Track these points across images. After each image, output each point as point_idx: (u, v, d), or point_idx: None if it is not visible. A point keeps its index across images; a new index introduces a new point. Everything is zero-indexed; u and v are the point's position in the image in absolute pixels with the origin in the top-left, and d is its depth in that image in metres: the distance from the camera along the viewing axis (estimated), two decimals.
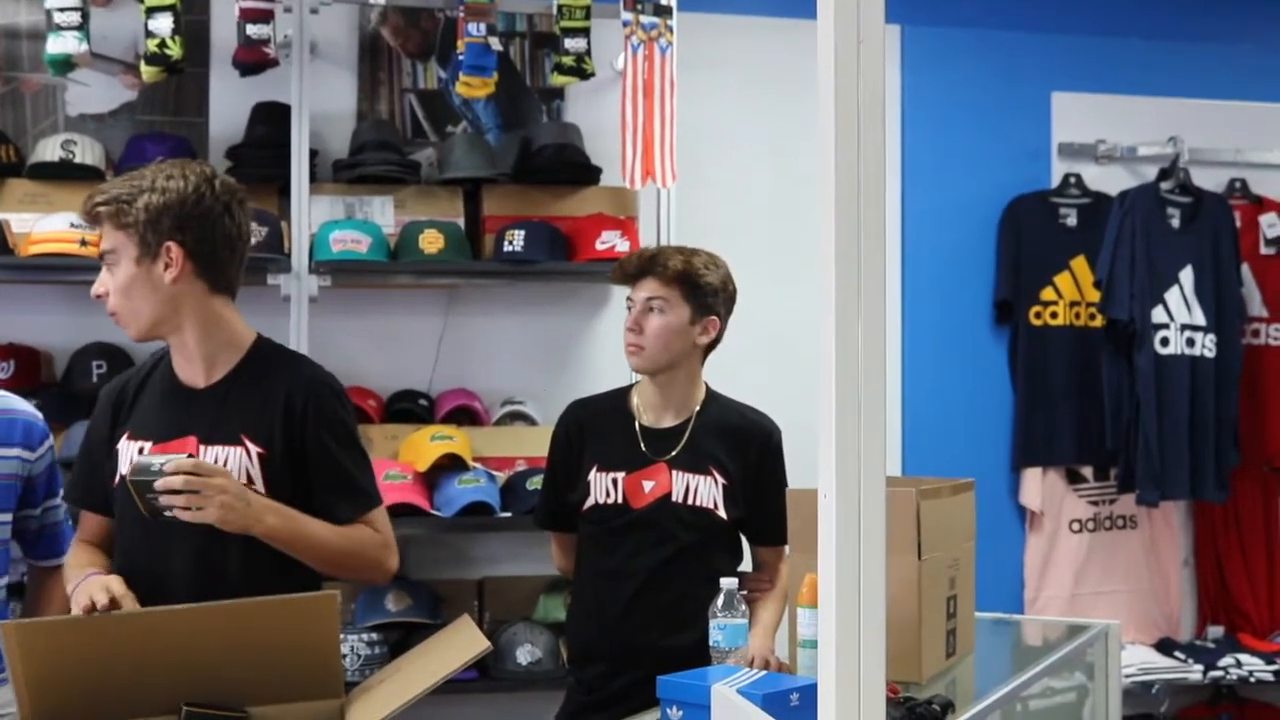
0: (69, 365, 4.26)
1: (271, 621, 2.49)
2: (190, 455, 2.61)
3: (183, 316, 2.76)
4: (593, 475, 3.32)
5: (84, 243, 4.11)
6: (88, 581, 2.64)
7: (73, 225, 4.12)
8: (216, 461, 2.70)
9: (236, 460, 2.71)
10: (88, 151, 4.32)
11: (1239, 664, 5.15)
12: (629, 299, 3.34)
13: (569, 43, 4.48)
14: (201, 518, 2.57)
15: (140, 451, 2.75)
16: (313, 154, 4.39)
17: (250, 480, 2.71)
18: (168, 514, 2.58)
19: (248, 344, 2.83)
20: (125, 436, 2.79)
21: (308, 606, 2.53)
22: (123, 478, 2.69)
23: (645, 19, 4.49)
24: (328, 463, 2.78)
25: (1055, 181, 5.33)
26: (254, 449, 2.73)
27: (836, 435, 1.66)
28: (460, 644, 2.55)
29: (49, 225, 4.14)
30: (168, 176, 2.74)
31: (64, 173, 4.27)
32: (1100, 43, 5.36)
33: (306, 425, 2.76)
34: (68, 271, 4.16)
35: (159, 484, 2.55)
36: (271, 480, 2.73)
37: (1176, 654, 5.23)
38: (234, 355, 2.81)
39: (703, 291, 3.30)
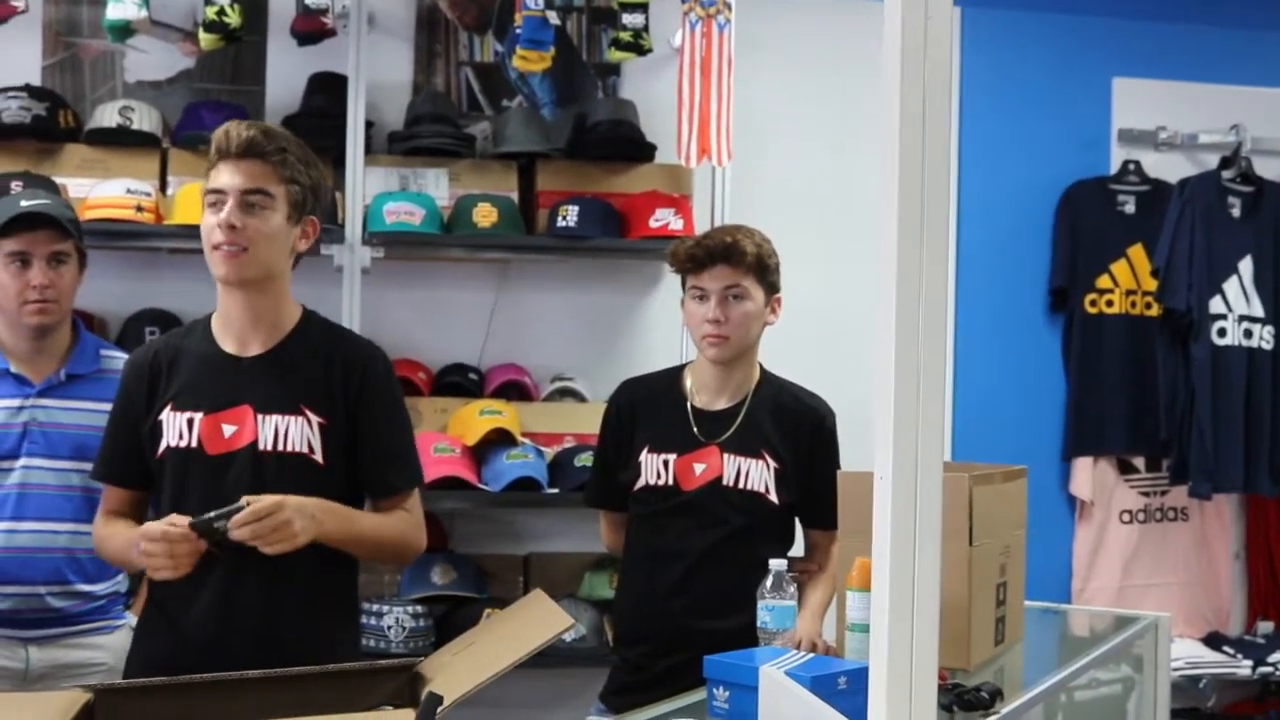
0: (122, 330, 4.29)
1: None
2: (246, 503, 2.59)
3: (281, 279, 2.81)
4: (644, 456, 3.31)
5: (140, 209, 4.14)
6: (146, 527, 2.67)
7: (129, 191, 4.16)
8: (277, 431, 2.73)
9: (298, 429, 2.74)
10: (145, 118, 4.34)
11: None
12: (697, 287, 3.26)
13: (627, 18, 4.46)
14: (281, 549, 2.58)
15: (189, 424, 2.75)
16: (368, 125, 4.40)
17: (311, 449, 2.74)
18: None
19: (298, 315, 2.87)
20: (169, 408, 2.79)
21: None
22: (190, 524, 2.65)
23: None
24: (383, 433, 2.83)
25: (1114, 168, 5.27)
26: (315, 418, 2.76)
27: (895, 418, 1.64)
28: (542, 619, 2.54)
29: (105, 191, 4.17)
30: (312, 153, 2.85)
31: (121, 139, 4.30)
32: (1163, 28, 5.29)
33: (363, 395, 2.80)
34: (123, 238, 4.20)
35: (234, 535, 2.57)
36: (330, 450, 2.76)
37: (1225, 649, 5.18)
38: (286, 326, 2.83)
39: (771, 272, 3.29)
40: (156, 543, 2.59)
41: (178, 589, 2.71)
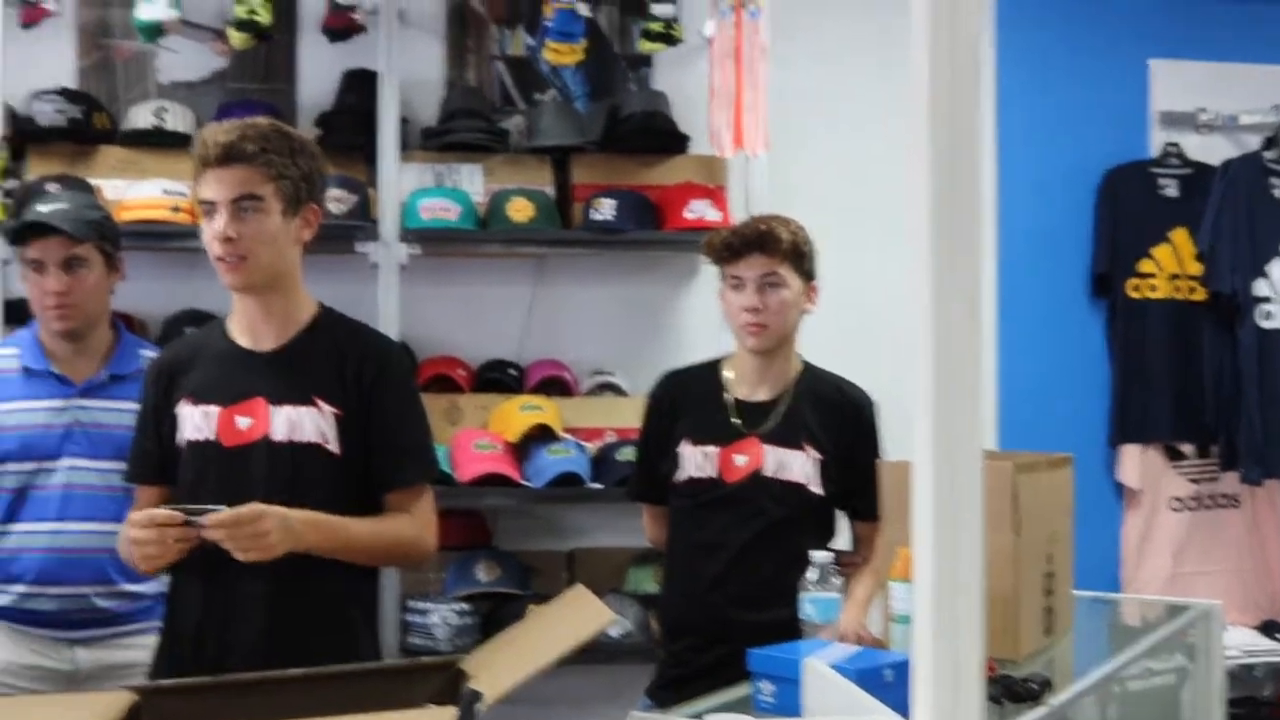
0: (163, 331, 4.29)
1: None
2: (226, 507, 2.56)
3: (289, 276, 2.80)
4: (685, 448, 3.30)
5: (176, 209, 4.15)
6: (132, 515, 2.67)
7: (165, 192, 4.17)
8: (289, 421, 2.73)
9: (311, 420, 2.74)
10: (179, 119, 4.35)
11: None
12: (734, 276, 3.25)
13: (657, 8, 4.44)
14: (253, 559, 2.56)
15: (206, 417, 2.77)
16: (402, 122, 4.39)
17: (325, 439, 2.73)
18: None
19: (314, 309, 2.87)
20: (186, 401, 2.80)
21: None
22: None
23: None
24: (396, 425, 2.81)
25: (1154, 151, 5.21)
26: (329, 409, 2.75)
27: (932, 405, 1.61)
28: (585, 614, 2.52)
29: (141, 192, 4.18)
30: (305, 139, 2.84)
31: (156, 140, 4.31)
32: (1200, 7, 5.22)
33: (378, 387, 2.79)
34: (160, 239, 4.20)
35: (207, 534, 2.54)
36: (346, 441, 2.75)
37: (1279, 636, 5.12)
38: (302, 319, 2.84)
39: (806, 260, 3.28)
40: (146, 529, 2.57)
41: (189, 592, 2.75)
